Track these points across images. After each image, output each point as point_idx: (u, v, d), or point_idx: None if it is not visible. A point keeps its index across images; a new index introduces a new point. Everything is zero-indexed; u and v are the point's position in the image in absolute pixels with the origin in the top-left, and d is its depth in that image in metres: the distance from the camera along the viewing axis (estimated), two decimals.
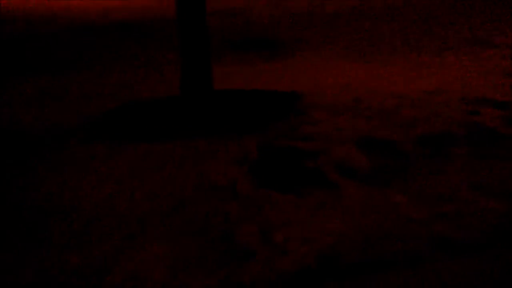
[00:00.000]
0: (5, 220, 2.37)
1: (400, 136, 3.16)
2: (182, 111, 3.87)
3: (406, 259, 1.94)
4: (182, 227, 2.24)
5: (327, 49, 6.34)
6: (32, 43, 7.95)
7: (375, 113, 3.61)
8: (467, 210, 2.32)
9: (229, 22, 8.86)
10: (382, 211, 2.35)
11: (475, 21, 7.71)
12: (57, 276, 1.89)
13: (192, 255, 2.00)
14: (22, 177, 2.85)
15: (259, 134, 3.35)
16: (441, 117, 3.37)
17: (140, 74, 5.54)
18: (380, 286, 1.79)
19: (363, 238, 2.10)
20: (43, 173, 2.90)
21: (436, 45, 6.26)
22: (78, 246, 2.10)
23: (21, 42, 8.03)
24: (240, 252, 2.03)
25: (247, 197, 2.54)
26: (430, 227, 2.17)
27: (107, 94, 4.67)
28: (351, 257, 1.96)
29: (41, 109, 4.26)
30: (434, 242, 2.05)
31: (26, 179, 2.83)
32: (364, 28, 7.62)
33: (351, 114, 3.62)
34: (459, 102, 3.68)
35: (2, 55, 7.07)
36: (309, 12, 8.88)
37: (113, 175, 2.83)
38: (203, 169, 2.88)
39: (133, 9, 11.78)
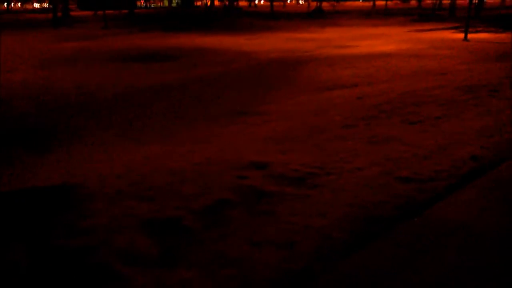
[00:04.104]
0: None
1: (182, 212, 3.23)
2: None
3: None
4: None
5: (102, 134, 6.21)
6: None
7: (156, 193, 3.63)
8: (249, 266, 2.49)
9: None
10: None
11: (235, 96, 8.77)
12: None
13: None
14: None
15: (30, 239, 2.95)
16: (216, 187, 3.61)
17: None
18: None
19: None
20: None
21: (205, 118, 6.84)
22: None
23: None
24: None
25: None
26: None
27: None
28: None
29: None
30: None
31: None
32: (135, 110, 7.79)
33: (132, 198, 3.55)
34: (230, 170, 4.03)
35: None
36: (77, 100, 8.64)
37: None
38: None
39: None
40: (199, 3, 70.40)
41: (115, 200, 3.47)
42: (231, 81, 10.39)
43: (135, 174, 4.08)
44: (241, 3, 66.61)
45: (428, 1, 49.71)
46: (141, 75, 11.26)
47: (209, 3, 60.37)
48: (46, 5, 70.20)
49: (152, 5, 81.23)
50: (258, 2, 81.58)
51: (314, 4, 52.29)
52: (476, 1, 30.40)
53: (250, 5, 68.75)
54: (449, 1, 38.55)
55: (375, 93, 8.21)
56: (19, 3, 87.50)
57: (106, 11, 32.45)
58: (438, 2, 47.19)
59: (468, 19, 17.60)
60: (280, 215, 3.12)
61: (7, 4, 71.05)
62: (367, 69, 11.25)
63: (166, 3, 79.36)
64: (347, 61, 12.73)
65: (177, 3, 73.09)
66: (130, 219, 3.13)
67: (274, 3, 47.46)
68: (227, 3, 55.94)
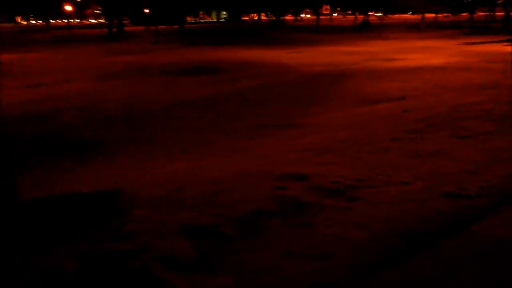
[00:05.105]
0: None
1: (221, 220, 3.29)
2: None
3: None
4: None
5: (146, 145, 6.42)
6: None
7: (196, 201, 3.71)
8: (284, 276, 2.50)
9: (37, 127, 8.32)
10: None
11: (278, 109, 8.81)
12: None
13: None
14: None
15: (78, 242, 3.09)
16: (254, 197, 3.65)
17: None
18: None
19: None
20: None
21: (246, 130, 6.93)
22: None
23: None
24: None
25: None
26: None
27: None
28: None
29: None
30: None
31: None
32: (178, 122, 7.99)
33: (173, 205, 3.65)
34: (268, 180, 4.06)
35: None
36: (124, 112, 8.99)
37: None
38: None
39: None
40: (246, 18, 71.69)
41: (157, 207, 3.59)
42: (273, 94, 10.45)
43: (176, 183, 4.20)
44: (287, 18, 67.06)
45: (480, 13, 48.02)
46: (185, 88, 11.57)
47: (256, 18, 61.26)
48: (102, 20, 74.00)
49: (201, 20, 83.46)
50: (304, 16, 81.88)
51: (361, 17, 51.79)
52: None
53: (296, 19, 69.15)
54: (502, 13, 37.04)
55: (422, 106, 8.00)
56: (77, 19, 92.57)
57: (158, 26, 33.67)
58: (491, 14, 45.43)
59: None
60: (317, 227, 3.10)
61: (66, 20, 75.47)
62: (414, 82, 10.99)
63: (215, 18, 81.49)
64: (393, 74, 12.51)
65: (225, 17, 74.81)
66: (170, 225, 3.22)
67: (320, 17, 47.48)
68: (273, 17, 56.56)
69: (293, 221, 3.21)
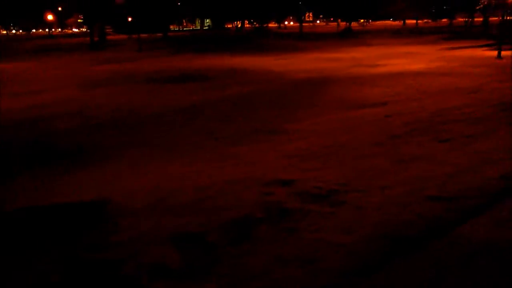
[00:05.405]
0: None
1: (208, 227, 3.32)
2: None
3: None
4: None
5: (135, 152, 6.42)
6: None
7: (185, 208, 3.74)
8: (273, 282, 2.54)
9: (31, 133, 8.26)
10: None
11: (264, 115, 8.88)
12: None
13: None
14: None
15: (64, 251, 3.10)
16: (241, 203, 3.69)
17: None
18: None
19: None
20: None
21: (234, 136, 6.97)
22: None
23: None
24: None
25: None
26: None
27: None
28: None
29: None
30: None
31: None
32: (167, 129, 8.01)
33: (162, 213, 3.67)
34: (256, 186, 4.11)
35: None
36: (112, 118, 8.99)
37: None
38: None
39: None
40: (229, 25, 71.98)
41: (144, 215, 3.60)
42: (260, 100, 10.53)
43: (164, 190, 4.22)
44: (270, 25, 67.44)
45: (460, 19, 49.04)
46: (173, 95, 11.58)
47: (239, 25, 61.54)
48: (84, 29, 73.61)
49: (185, 28, 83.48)
50: (288, 23, 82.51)
51: (343, 24, 52.39)
52: (510, 18, 29.72)
53: (279, 27, 69.62)
54: (481, 19, 37.86)
55: (405, 111, 8.16)
56: (59, 28, 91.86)
57: (141, 35, 33.61)
58: (470, 19, 46.43)
59: (501, 37, 17.26)
60: (303, 232, 3.16)
61: (48, 30, 74.79)
62: (396, 87, 11.18)
63: (198, 26, 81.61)
64: (376, 80, 12.71)
65: (208, 25, 74.99)
66: (158, 234, 3.24)
67: (303, 24, 47.90)
68: (257, 25, 56.86)
69: (280, 226, 3.27)
